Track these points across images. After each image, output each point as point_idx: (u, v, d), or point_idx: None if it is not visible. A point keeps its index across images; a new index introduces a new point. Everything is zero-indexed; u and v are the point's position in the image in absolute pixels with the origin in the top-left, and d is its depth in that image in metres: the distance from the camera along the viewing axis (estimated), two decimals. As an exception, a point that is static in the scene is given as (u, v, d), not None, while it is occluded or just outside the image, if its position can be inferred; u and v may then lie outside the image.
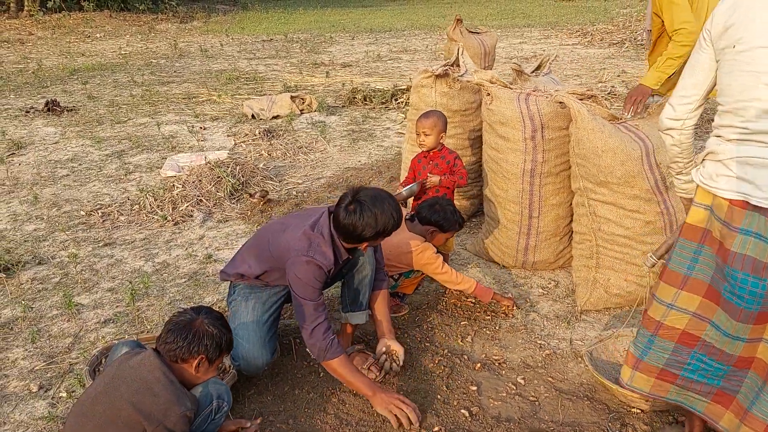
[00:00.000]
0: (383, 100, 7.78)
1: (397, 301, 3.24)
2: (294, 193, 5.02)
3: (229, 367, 2.66)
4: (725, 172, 1.90)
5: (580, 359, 2.84)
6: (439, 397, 2.62)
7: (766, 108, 1.80)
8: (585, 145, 3.12)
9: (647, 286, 3.19)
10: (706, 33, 1.98)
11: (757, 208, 1.82)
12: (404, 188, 3.49)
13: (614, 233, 3.21)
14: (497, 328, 3.12)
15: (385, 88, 8.25)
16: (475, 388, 2.67)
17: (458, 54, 4.17)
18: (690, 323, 2.08)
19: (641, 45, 10.78)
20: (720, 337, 2.02)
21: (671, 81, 3.73)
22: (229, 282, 2.87)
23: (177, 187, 4.86)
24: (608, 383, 2.54)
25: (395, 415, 2.42)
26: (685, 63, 2.14)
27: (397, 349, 2.73)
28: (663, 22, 3.83)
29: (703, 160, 2.02)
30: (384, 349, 2.75)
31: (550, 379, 2.73)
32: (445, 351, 2.93)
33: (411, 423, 2.41)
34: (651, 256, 2.52)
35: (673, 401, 2.21)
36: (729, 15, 1.90)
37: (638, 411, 2.50)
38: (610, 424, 2.45)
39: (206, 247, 4.10)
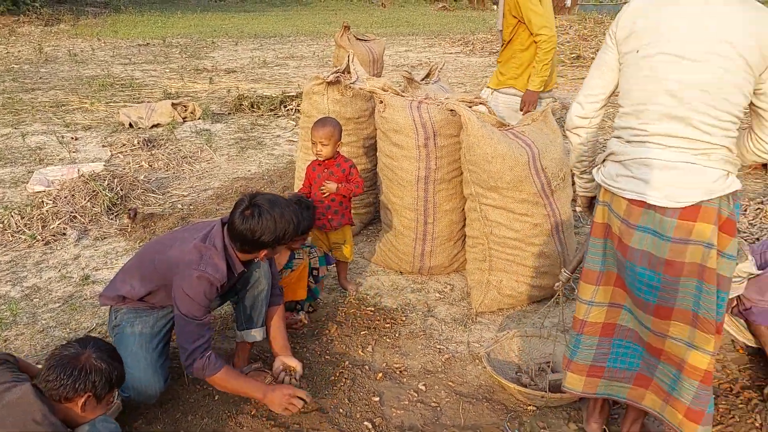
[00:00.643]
0: (272, 107, 7.61)
1: (294, 314, 3.15)
2: (179, 206, 4.76)
3: (114, 397, 2.44)
4: (625, 172, 1.99)
5: (478, 361, 2.89)
6: (341, 410, 2.56)
7: (666, 112, 1.90)
8: (475, 151, 3.19)
9: (539, 287, 3.32)
10: (611, 34, 2.05)
11: (652, 207, 1.93)
12: None
13: (505, 236, 3.30)
14: (397, 335, 3.11)
15: (273, 95, 8.09)
16: (377, 398, 2.64)
17: (349, 61, 4.14)
18: (608, 314, 2.19)
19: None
20: (633, 320, 2.14)
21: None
22: (109, 307, 2.64)
23: (46, 204, 4.46)
24: (506, 382, 2.60)
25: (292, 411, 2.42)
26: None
27: (295, 365, 2.64)
28: (517, 23, 4.14)
29: (604, 160, 2.10)
30: (281, 366, 2.65)
31: (450, 383, 2.75)
32: (346, 363, 2.87)
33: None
34: (564, 272, 2.61)
35: (602, 395, 2.29)
36: (634, 20, 1.97)
37: (534, 408, 2.57)
38: (508, 423, 2.50)
39: (82, 268, 3.78)
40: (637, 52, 1.94)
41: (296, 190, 3.73)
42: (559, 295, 2.69)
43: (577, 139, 2.23)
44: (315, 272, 3.21)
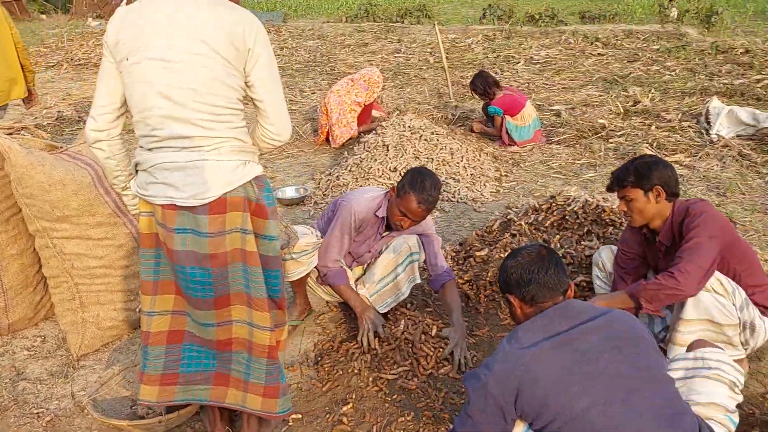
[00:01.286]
0: None
1: None
2: None
3: None
4: (152, 179, 1.99)
5: (85, 411, 2.60)
6: None
7: (166, 115, 1.93)
8: (28, 182, 2.82)
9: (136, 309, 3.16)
10: (105, 43, 1.99)
11: (183, 208, 1.97)
12: None
13: (90, 266, 3.03)
14: (-23, 420, 2.59)
15: None
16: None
17: None
18: (173, 322, 2.18)
19: (80, 65, 10.53)
20: (196, 326, 2.17)
21: None
22: None
23: None
24: (117, 422, 2.41)
25: None
26: None
27: None
28: None
29: (136, 171, 2.07)
30: None
31: (55, 448, 2.42)
32: None
33: None
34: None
35: (183, 401, 2.27)
36: (119, 29, 1.96)
37: (157, 437, 2.45)
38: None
39: None
40: (127, 59, 1.94)
41: None
42: None
43: (102, 154, 2.12)
44: None
